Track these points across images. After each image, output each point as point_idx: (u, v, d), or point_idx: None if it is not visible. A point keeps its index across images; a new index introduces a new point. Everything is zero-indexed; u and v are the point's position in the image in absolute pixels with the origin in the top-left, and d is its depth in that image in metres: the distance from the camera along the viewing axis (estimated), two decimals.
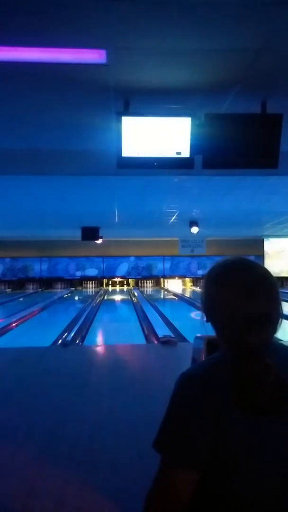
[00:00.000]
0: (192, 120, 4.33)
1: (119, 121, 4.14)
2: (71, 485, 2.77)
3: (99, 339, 9.57)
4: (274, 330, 1.14)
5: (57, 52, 3.14)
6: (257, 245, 21.84)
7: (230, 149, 4.56)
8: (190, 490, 1.04)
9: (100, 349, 8.01)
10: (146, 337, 8.91)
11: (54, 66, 3.33)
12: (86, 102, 4.15)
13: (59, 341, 8.14)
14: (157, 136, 4.47)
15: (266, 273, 1.17)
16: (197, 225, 12.78)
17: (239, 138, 4.56)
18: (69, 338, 8.50)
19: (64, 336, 8.73)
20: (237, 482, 1.05)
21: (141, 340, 8.66)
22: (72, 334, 9.00)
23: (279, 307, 1.15)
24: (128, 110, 4.12)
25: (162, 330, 8.83)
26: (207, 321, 1.19)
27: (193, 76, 3.65)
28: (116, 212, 11.45)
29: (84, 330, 9.53)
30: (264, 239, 21.51)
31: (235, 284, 1.13)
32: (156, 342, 7.82)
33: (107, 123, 4.55)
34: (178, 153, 4.50)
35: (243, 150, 4.56)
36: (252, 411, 1.03)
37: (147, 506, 1.06)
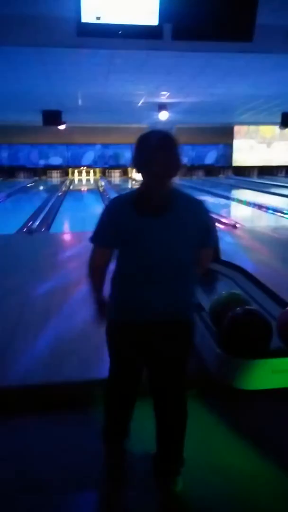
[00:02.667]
0: None
1: None
2: (39, 357, 2.92)
3: (65, 227, 9.52)
4: (171, 172, 1.80)
5: None
6: (227, 133, 21.34)
7: (203, 17, 4.15)
8: (105, 260, 1.92)
9: (66, 236, 8.02)
10: None
11: None
12: None
13: (24, 229, 8.07)
14: None
15: (166, 137, 1.79)
16: (166, 110, 12.20)
17: (213, 4, 4.14)
18: (34, 226, 8.42)
19: (29, 224, 8.63)
20: (133, 252, 1.82)
21: None
22: (38, 222, 8.91)
23: (173, 157, 1.80)
24: None
25: None
26: (136, 172, 1.81)
27: None
28: (79, 94, 10.69)
29: (50, 219, 9.43)
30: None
31: (146, 144, 1.78)
32: None
33: None
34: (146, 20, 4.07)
35: (216, 18, 4.17)
36: (143, 213, 1.78)
37: (87, 271, 1.99)
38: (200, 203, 1.90)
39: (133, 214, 1.78)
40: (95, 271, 1.96)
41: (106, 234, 1.86)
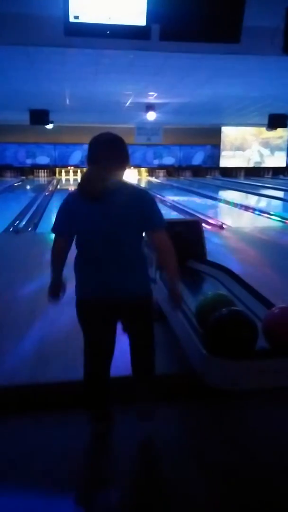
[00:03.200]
0: None
1: None
2: (27, 353, 2.91)
3: None
4: (116, 165, 2.09)
5: None
6: (215, 134, 21.44)
7: (191, 18, 4.17)
8: (63, 248, 2.19)
9: (53, 236, 7.97)
10: None
11: None
12: None
13: (11, 229, 8.00)
14: None
15: (113, 138, 2.13)
16: (153, 110, 12.21)
17: (200, 5, 4.16)
18: (21, 226, 8.36)
19: (16, 224, 8.57)
20: (84, 237, 2.13)
21: None
22: (24, 222, 8.84)
23: (117, 154, 2.11)
24: None
25: None
26: (87, 165, 2.14)
27: None
28: (67, 93, 10.65)
29: (37, 218, 9.37)
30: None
31: (95, 143, 2.12)
32: None
33: None
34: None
35: (204, 19, 4.19)
36: (87, 198, 2.05)
37: (50, 258, 2.24)
38: (142, 191, 2.20)
39: (81, 202, 2.07)
40: (55, 257, 2.23)
41: (61, 224, 2.15)
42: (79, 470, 2.14)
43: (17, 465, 2.14)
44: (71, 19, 3.98)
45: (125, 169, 2.14)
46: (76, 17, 3.94)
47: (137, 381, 2.30)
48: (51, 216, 10.49)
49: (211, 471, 2.13)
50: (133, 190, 2.14)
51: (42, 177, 21.31)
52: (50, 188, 16.58)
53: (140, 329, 2.22)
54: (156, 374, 2.29)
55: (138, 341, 2.25)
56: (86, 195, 2.04)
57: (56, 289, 2.31)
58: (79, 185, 2.07)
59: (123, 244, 2.07)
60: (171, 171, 22.45)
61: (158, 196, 12.52)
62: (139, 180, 21.12)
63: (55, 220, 2.17)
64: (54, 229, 2.18)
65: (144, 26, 4.10)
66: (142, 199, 2.10)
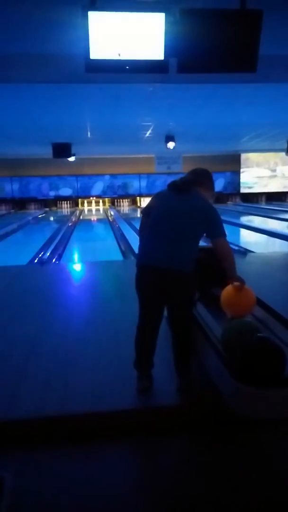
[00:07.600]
0: (166, 17, 3.99)
1: (85, 17, 3.77)
2: (53, 386, 2.89)
3: (76, 257, 9.58)
4: (194, 182, 2.92)
5: None
6: (234, 161, 21.57)
7: (207, 50, 4.26)
8: (145, 223, 2.93)
9: (77, 266, 8.06)
10: (123, 253, 8.95)
11: None
12: None
13: (36, 260, 8.12)
14: (128, 36, 4.12)
15: (197, 168, 3.11)
16: (173, 140, 12.40)
17: (216, 38, 4.25)
18: (45, 257, 8.48)
19: (40, 255, 8.70)
20: (158, 217, 2.81)
21: (118, 257, 8.72)
22: (49, 253, 8.97)
23: (194, 175, 2.99)
24: (95, 4, 3.74)
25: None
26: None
27: None
28: (88, 126, 10.94)
29: (61, 249, 9.50)
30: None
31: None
32: (133, 258, 7.89)
33: (73, 20, 4.14)
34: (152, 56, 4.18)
35: (220, 51, 4.27)
36: (171, 189, 2.88)
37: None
38: (209, 204, 2.84)
39: (167, 192, 2.86)
40: (141, 230, 2.99)
41: (147, 207, 2.94)
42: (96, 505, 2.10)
43: (37, 500, 2.12)
44: (92, 56, 4.12)
45: (207, 190, 2.91)
46: (97, 54, 4.08)
47: (176, 357, 2.83)
48: (75, 247, 10.68)
49: (235, 502, 2.06)
50: (204, 201, 2.81)
51: (65, 208, 21.73)
52: (73, 219, 16.85)
53: (179, 299, 2.72)
54: (185, 403, 2.25)
55: (177, 311, 2.75)
56: (170, 186, 2.85)
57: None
58: (171, 182, 2.89)
59: (183, 232, 2.70)
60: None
61: None
62: None
63: (144, 209, 3.00)
64: (142, 211, 3.02)
65: (162, 60, 4.21)
66: (207, 209, 2.77)
